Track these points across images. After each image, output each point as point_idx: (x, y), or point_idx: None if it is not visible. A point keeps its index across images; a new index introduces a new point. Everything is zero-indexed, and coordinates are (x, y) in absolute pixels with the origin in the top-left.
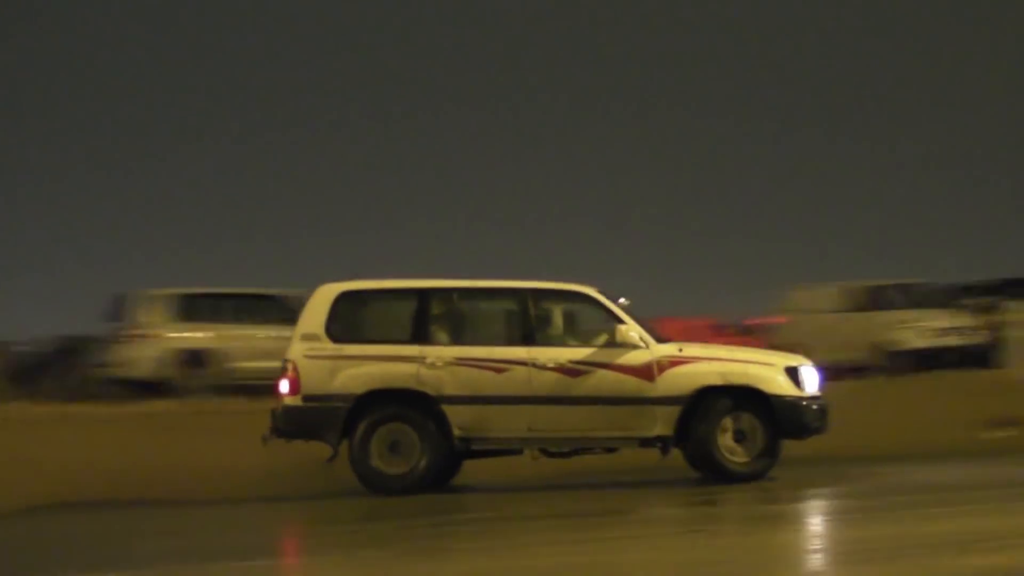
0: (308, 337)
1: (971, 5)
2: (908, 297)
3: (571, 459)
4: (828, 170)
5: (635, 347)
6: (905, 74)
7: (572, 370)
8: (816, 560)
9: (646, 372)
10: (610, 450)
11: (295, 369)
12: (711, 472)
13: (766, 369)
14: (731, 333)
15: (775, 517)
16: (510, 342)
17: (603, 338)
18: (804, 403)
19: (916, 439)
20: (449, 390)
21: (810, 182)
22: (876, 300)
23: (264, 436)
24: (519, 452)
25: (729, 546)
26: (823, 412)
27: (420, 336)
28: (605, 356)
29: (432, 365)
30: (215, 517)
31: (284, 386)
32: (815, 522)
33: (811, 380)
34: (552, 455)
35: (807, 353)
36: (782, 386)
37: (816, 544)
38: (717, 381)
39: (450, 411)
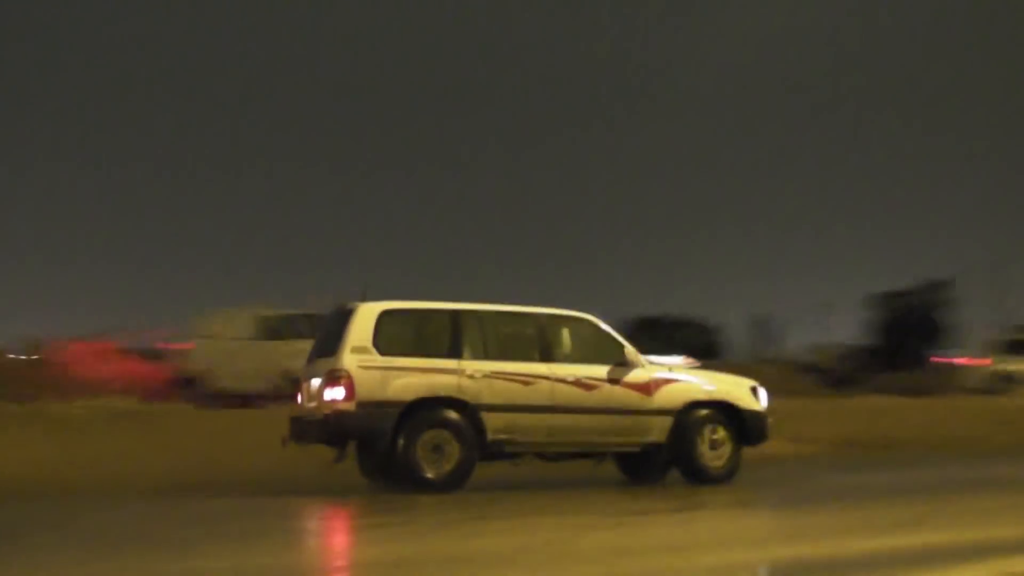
0: (358, 350)
1: None
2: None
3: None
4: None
5: (637, 366)
6: None
7: (586, 384)
8: None
9: (645, 388)
10: (600, 456)
11: (350, 378)
12: (691, 476)
13: (738, 388)
14: (139, 357)
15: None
16: (531, 359)
17: (610, 357)
18: (763, 416)
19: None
20: (486, 399)
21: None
22: (284, 329)
23: (283, 440)
24: (539, 455)
25: None
26: (769, 424)
27: (455, 351)
28: (613, 373)
29: (471, 377)
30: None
31: (335, 393)
32: None
33: (764, 397)
34: (548, 459)
35: (213, 379)
36: (749, 402)
37: None
38: (703, 397)
39: (486, 418)
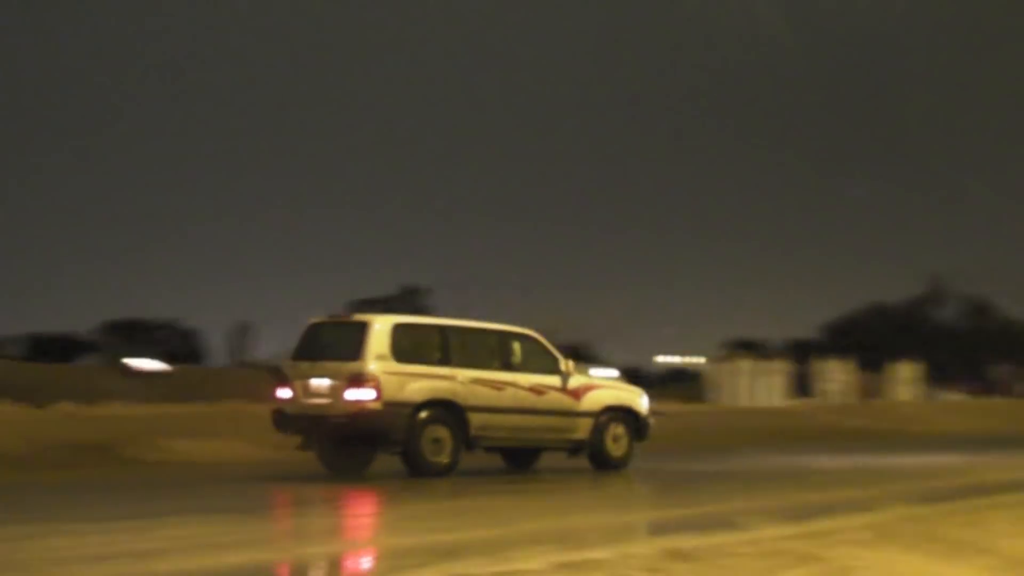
0: (381, 357)
1: None
2: None
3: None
4: None
5: (570, 376)
6: None
7: (538, 390)
8: None
9: (576, 394)
10: (538, 451)
11: (378, 381)
12: (600, 464)
13: (635, 395)
14: None
15: None
16: (496, 368)
17: (548, 367)
18: (648, 418)
19: None
20: (470, 401)
21: None
22: None
23: (302, 445)
24: (502, 449)
25: None
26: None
27: (446, 360)
28: (555, 381)
29: (460, 382)
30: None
31: (363, 394)
32: None
33: (647, 403)
34: (493, 450)
35: None
36: (642, 407)
37: None
38: (614, 402)
39: (471, 417)
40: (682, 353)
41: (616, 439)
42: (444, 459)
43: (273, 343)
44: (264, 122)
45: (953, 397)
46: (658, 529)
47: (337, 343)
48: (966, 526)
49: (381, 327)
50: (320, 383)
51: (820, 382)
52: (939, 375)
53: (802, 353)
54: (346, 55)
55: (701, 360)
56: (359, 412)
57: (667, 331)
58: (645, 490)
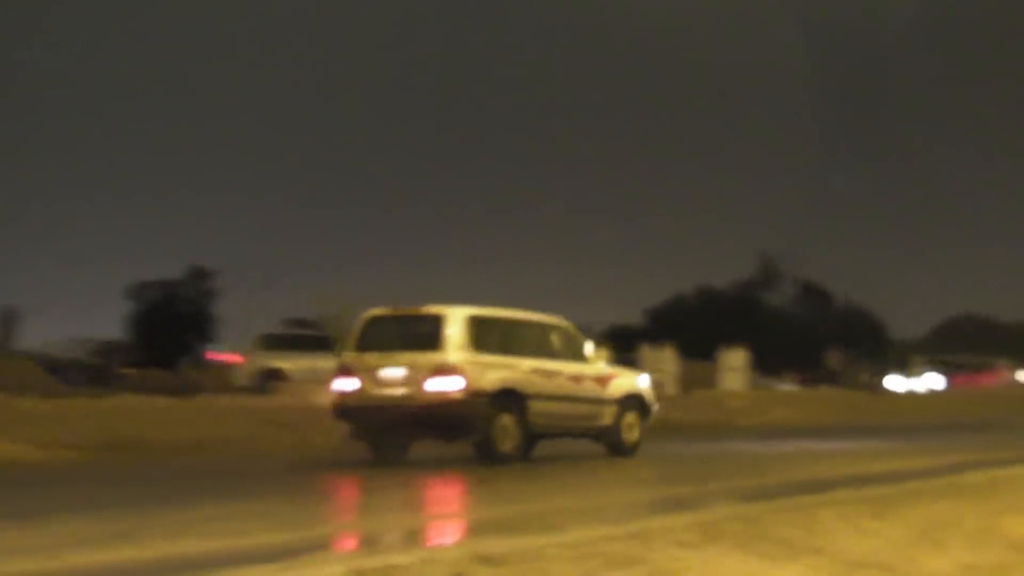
0: (462, 347)
1: None
2: None
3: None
4: None
5: (597, 364)
6: None
7: (577, 378)
8: None
9: (603, 381)
10: (574, 436)
11: (463, 370)
12: (615, 450)
13: (644, 382)
14: None
15: None
16: (542, 357)
17: (577, 355)
18: (654, 405)
19: None
20: (529, 390)
21: None
22: None
23: (351, 434)
24: (550, 435)
25: None
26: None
27: (508, 350)
28: (588, 369)
29: (522, 371)
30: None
31: (448, 384)
32: None
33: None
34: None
35: None
36: (650, 394)
37: None
38: (631, 390)
39: (531, 404)
40: None
41: (630, 426)
42: (510, 448)
43: (44, 331)
44: (37, 107)
45: (785, 387)
46: (468, 531)
47: (409, 334)
48: (796, 525)
49: (459, 317)
50: (394, 373)
51: (647, 371)
52: (770, 364)
53: (624, 340)
54: (100, 35)
55: None
56: (443, 402)
57: None
58: (450, 492)
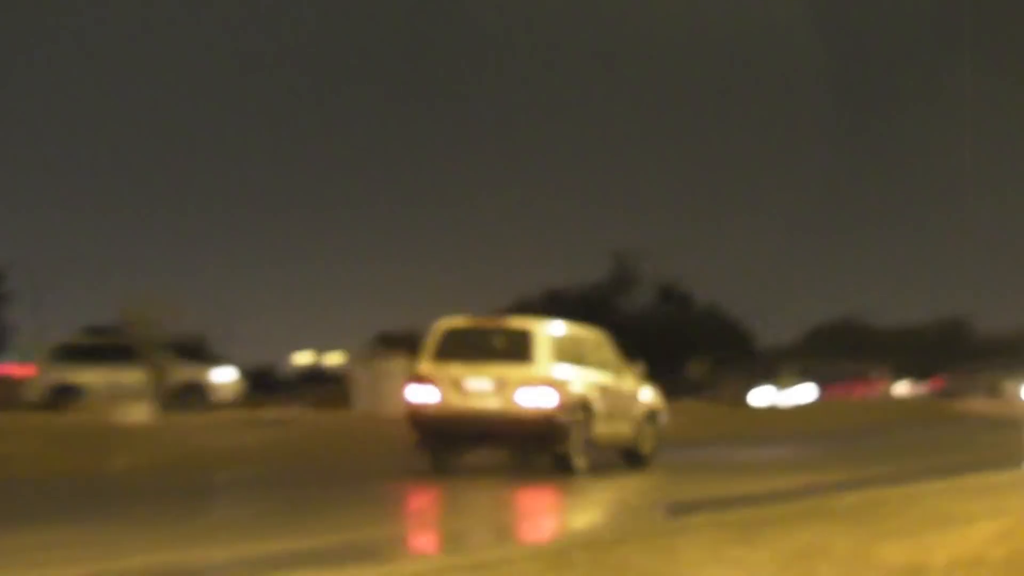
0: (553, 361)
1: None
2: None
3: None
4: None
5: (634, 375)
6: None
7: (622, 393)
8: None
9: (636, 395)
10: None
11: (559, 385)
12: (634, 461)
13: (660, 395)
14: None
15: None
16: (598, 370)
17: (614, 367)
18: (665, 416)
19: None
20: (595, 406)
21: None
22: None
23: (417, 444)
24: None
25: None
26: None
27: (578, 363)
28: (630, 384)
29: (590, 385)
30: None
31: (544, 398)
32: None
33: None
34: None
35: None
36: (663, 406)
37: None
38: (652, 402)
39: (596, 419)
40: (322, 350)
41: (647, 438)
42: (583, 461)
43: None
44: None
45: None
46: (272, 564)
47: (494, 346)
48: (651, 552)
49: (546, 331)
50: (482, 385)
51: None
52: None
53: None
54: None
55: (343, 359)
56: (536, 415)
57: (308, 324)
58: (245, 514)
